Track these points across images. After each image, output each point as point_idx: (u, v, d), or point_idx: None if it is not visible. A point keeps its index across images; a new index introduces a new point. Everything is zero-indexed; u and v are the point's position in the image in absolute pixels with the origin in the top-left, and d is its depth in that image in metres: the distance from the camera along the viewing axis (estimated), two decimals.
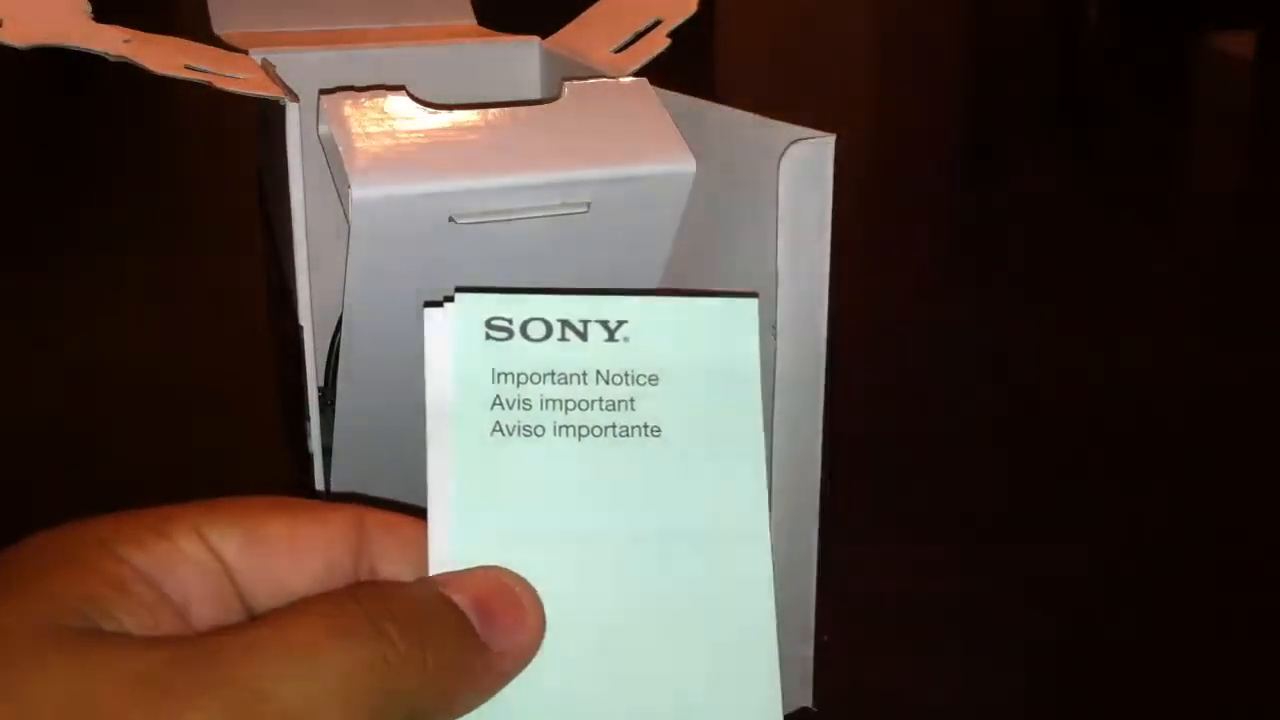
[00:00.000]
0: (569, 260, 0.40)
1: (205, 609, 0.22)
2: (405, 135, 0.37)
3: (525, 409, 0.25)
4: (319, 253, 0.40)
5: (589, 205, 0.39)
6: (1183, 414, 0.72)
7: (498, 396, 0.25)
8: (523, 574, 0.24)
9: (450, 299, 0.25)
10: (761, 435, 0.25)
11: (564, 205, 0.38)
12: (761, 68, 1.60)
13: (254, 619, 0.22)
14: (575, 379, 0.25)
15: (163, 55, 0.36)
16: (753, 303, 0.26)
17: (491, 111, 0.39)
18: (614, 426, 0.25)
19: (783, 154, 0.35)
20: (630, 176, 0.39)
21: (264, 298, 0.52)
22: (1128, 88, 1.52)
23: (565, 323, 0.25)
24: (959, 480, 0.64)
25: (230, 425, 0.66)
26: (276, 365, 0.50)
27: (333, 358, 0.45)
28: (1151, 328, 0.84)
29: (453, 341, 0.25)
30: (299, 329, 0.40)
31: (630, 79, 0.42)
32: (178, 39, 0.38)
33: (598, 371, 0.25)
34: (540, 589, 0.24)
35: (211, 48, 0.40)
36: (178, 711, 0.19)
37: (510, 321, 0.25)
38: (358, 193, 0.36)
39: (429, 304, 0.25)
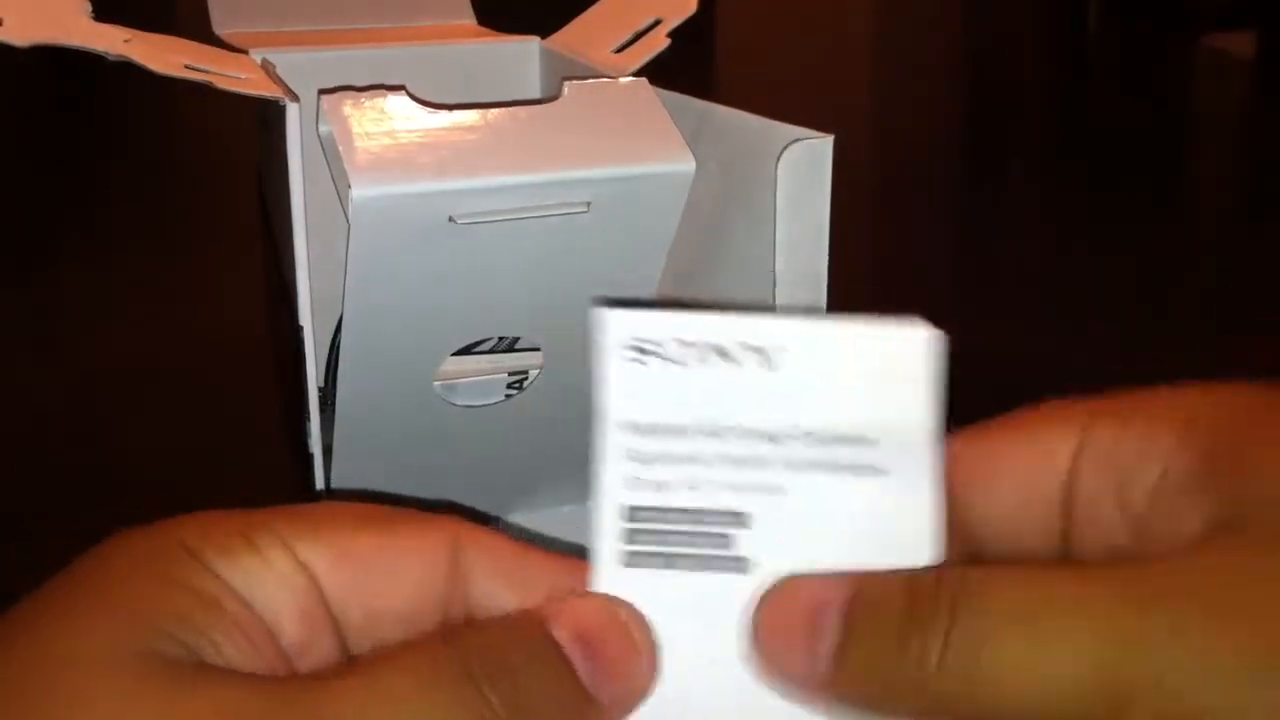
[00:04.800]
0: (569, 260, 0.40)
1: (295, 628, 0.21)
2: (405, 135, 0.37)
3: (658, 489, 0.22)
4: (319, 253, 0.40)
5: (589, 205, 0.39)
6: None
7: (636, 478, 0.22)
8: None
9: (612, 304, 0.23)
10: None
11: (564, 205, 0.38)
12: (761, 68, 1.59)
13: (350, 659, 0.21)
14: (722, 432, 0.23)
15: (163, 55, 0.36)
16: (930, 339, 0.23)
17: (491, 111, 0.39)
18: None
19: (782, 154, 0.35)
20: (630, 176, 0.39)
21: (264, 298, 0.52)
22: (1128, 88, 1.52)
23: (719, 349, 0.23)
24: None
25: (230, 425, 0.66)
26: (276, 365, 0.50)
27: (333, 358, 0.45)
28: (1154, 326, 0.84)
29: (600, 359, 0.23)
30: (299, 329, 0.40)
31: (630, 79, 0.42)
32: (178, 39, 0.38)
33: (741, 426, 0.23)
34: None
35: (211, 48, 0.40)
36: None
37: (659, 345, 0.23)
38: (358, 193, 0.36)
39: (602, 305, 0.23)
